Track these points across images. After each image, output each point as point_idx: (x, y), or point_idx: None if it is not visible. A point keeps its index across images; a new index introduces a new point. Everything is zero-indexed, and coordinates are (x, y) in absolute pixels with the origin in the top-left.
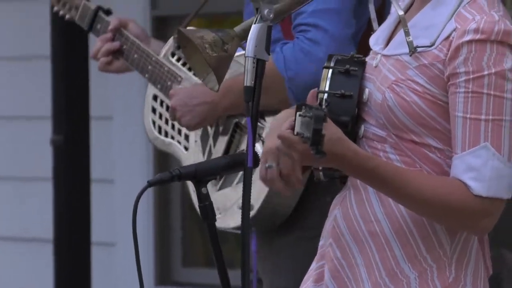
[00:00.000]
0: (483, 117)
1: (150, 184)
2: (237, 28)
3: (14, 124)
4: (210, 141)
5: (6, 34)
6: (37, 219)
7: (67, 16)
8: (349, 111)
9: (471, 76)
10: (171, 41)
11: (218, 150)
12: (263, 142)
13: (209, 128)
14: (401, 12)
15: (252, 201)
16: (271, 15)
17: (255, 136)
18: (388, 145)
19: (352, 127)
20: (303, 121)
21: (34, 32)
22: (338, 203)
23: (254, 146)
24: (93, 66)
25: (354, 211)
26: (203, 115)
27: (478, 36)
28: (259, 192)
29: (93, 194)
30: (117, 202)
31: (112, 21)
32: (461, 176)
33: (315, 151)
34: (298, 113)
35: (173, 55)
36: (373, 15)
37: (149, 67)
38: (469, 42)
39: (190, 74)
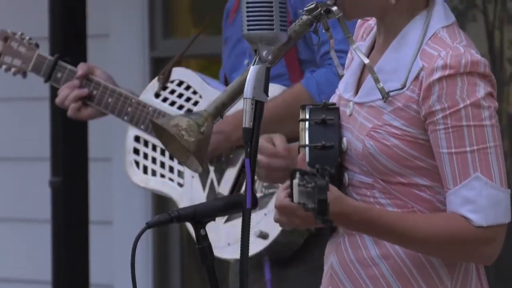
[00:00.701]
0: (468, 148)
1: (148, 225)
2: (209, 107)
3: (13, 166)
4: (212, 175)
5: (5, 75)
6: (36, 261)
7: (13, 70)
8: (333, 162)
9: (448, 112)
10: (154, 82)
11: (228, 180)
12: None
13: (208, 163)
14: (367, 61)
15: (270, 230)
16: (269, 57)
17: (254, 177)
18: (376, 191)
19: (337, 177)
20: (303, 191)
21: (32, 74)
22: (332, 250)
23: (253, 187)
24: None
25: (350, 256)
26: (216, 144)
27: (447, 72)
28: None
29: (92, 236)
30: (116, 244)
31: (80, 67)
32: (459, 210)
33: (321, 220)
34: (297, 182)
35: (157, 96)
36: (336, 61)
37: (129, 109)
38: (439, 79)
39: (181, 112)
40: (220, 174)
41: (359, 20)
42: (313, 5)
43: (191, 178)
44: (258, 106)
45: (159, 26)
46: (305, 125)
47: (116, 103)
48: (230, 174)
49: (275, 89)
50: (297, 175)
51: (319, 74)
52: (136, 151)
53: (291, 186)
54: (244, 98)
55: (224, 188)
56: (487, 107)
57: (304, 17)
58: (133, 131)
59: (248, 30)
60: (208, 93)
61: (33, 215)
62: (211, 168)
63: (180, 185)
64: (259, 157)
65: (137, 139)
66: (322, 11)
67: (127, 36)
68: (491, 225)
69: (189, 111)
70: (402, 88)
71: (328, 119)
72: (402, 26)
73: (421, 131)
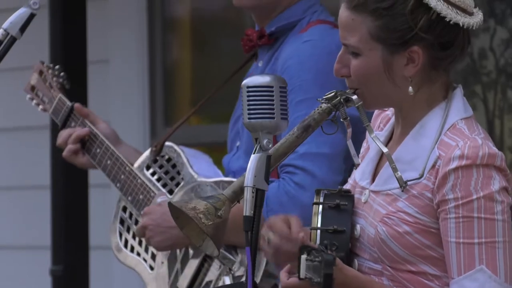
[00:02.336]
0: (476, 240)
1: None
2: (227, 191)
3: (14, 254)
4: (178, 265)
5: (5, 166)
6: None
7: (40, 107)
8: (343, 246)
9: (461, 202)
10: (147, 153)
11: (186, 275)
12: (233, 276)
13: (177, 251)
14: (385, 150)
15: None
16: (270, 145)
17: (254, 266)
18: (385, 278)
19: (347, 262)
20: (310, 265)
21: (33, 162)
22: None
23: (253, 276)
24: (92, 197)
25: None
26: (175, 239)
27: (464, 162)
28: None
29: None
30: None
31: (88, 115)
32: None
33: None
34: (305, 257)
35: (148, 168)
36: (352, 151)
37: (122, 176)
38: (456, 169)
39: (164, 191)
40: (183, 265)
41: (376, 110)
42: (332, 94)
43: (161, 263)
44: (258, 194)
45: (160, 114)
46: (318, 208)
47: (112, 167)
48: (191, 266)
49: None
50: (305, 250)
51: (271, 189)
52: (121, 222)
53: (298, 262)
54: (245, 187)
55: (182, 283)
56: (501, 201)
57: (324, 105)
58: (123, 200)
59: (249, 118)
60: (188, 177)
61: None
62: (179, 257)
63: (151, 268)
64: (272, 236)
65: (124, 209)
66: (341, 100)
67: (128, 124)
68: None
69: (171, 192)
70: (420, 178)
71: (342, 204)
72: (420, 116)
73: (433, 220)
